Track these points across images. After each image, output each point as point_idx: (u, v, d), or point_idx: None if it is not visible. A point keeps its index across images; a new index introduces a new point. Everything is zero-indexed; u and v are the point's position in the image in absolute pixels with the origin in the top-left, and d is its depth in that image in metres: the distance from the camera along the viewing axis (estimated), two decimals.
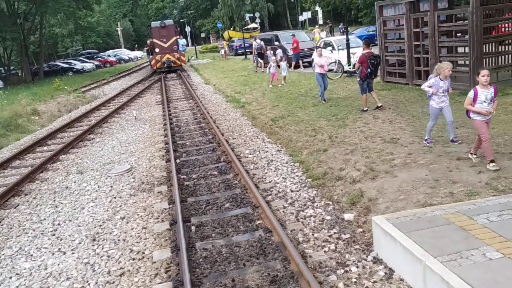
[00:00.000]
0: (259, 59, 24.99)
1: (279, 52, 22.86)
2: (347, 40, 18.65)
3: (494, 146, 7.16)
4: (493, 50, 12.32)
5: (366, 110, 11.14)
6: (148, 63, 36.48)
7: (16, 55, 42.84)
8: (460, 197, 5.55)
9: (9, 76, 39.39)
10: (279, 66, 18.92)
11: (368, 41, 11.90)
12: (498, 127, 8.22)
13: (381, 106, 11.14)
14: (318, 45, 21.44)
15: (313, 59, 21.67)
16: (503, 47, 12.69)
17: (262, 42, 25.84)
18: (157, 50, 31.24)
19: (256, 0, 70.21)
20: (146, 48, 38.86)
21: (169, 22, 33.23)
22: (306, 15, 48.70)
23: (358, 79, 11.26)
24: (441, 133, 8.25)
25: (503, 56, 12.41)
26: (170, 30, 31.53)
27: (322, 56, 13.58)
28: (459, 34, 12.86)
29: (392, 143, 8.19)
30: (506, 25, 12.73)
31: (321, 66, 13.19)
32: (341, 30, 37.01)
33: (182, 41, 36.83)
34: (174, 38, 31.69)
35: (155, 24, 32.72)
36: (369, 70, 10.93)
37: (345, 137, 9.09)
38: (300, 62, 23.18)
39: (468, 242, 4.20)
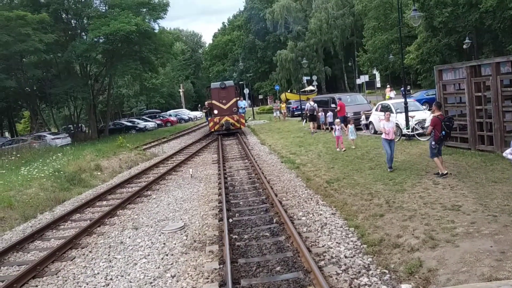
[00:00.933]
0: (312, 121, 25.35)
1: (330, 114, 23.41)
2: (406, 103, 18.44)
3: None
4: None
5: (446, 174, 10.49)
6: (207, 123, 35.27)
7: (85, 113, 45.63)
8: None
9: (77, 133, 41.77)
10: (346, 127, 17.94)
11: (439, 103, 11.52)
12: None
13: (446, 173, 10.57)
14: (378, 108, 21.35)
15: (370, 121, 21.62)
16: None
17: (315, 104, 26.05)
18: (215, 111, 29.70)
19: (314, 64, 71.86)
20: (205, 111, 37.94)
21: (230, 83, 31.93)
22: (363, 78, 48.94)
23: (433, 142, 10.63)
24: (506, 202, 7.79)
25: None
26: (230, 92, 30.13)
27: (390, 121, 12.51)
28: None
29: (453, 210, 7.80)
30: None
31: (388, 132, 12.16)
32: (403, 93, 37.33)
33: (242, 103, 34.67)
34: (234, 99, 30.15)
35: (214, 85, 31.31)
36: (443, 132, 10.50)
37: (403, 203, 8.77)
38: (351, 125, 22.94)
39: None
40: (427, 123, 11.85)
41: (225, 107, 29.59)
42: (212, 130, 29.80)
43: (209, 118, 31.52)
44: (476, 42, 33.47)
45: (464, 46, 35.24)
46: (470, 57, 34.72)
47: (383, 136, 12.31)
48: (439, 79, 14.60)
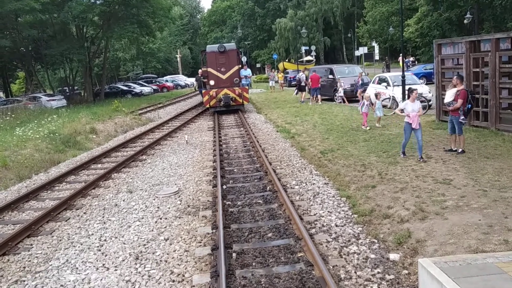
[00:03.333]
0: (300, 91, 26.44)
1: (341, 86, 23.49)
2: (403, 76, 18.41)
3: None
4: None
5: (463, 151, 10.07)
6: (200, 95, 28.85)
7: (80, 76, 45.18)
8: None
9: (72, 95, 41.49)
10: (372, 104, 15.50)
11: (462, 76, 11.02)
12: None
13: (463, 151, 10.13)
14: (375, 81, 21.30)
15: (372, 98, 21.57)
16: None
17: (303, 75, 27.69)
18: (212, 82, 23.22)
19: (313, 34, 71.08)
20: (196, 81, 30.03)
21: (231, 46, 24.11)
22: (362, 50, 48.53)
23: (462, 117, 10.02)
24: (497, 177, 7.89)
25: None
26: (231, 57, 23.33)
27: (416, 102, 10.11)
28: None
29: (444, 184, 7.91)
30: None
31: (411, 117, 9.98)
32: (408, 64, 37.97)
33: (246, 72, 28.49)
34: (236, 67, 23.46)
35: (211, 48, 24.05)
36: (469, 106, 10.10)
37: (395, 175, 8.87)
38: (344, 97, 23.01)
39: None
40: (449, 98, 10.17)
41: (224, 76, 23.23)
42: (207, 105, 23.56)
43: (203, 91, 24.70)
44: (477, 17, 33.15)
45: (465, 21, 34.93)
46: (471, 32, 34.46)
47: (406, 119, 10.07)
48: (438, 53, 14.53)
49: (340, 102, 23.46)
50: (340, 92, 23.60)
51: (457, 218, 6.26)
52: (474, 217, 6.23)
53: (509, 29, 32.21)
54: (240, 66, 24.94)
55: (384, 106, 17.55)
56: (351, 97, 23.07)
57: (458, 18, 39.49)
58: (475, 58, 12.76)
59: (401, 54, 24.75)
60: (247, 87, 25.08)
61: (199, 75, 27.77)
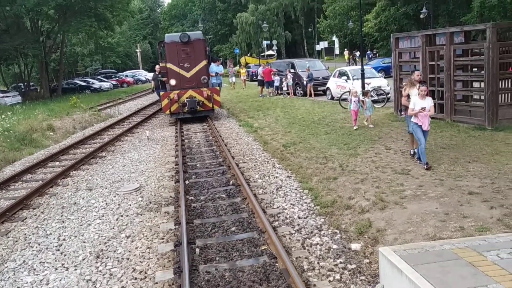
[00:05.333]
0: (260, 86, 26.88)
1: (277, 79, 25.12)
2: (362, 70, 18.73)
3: (507, 182, 7.05)
4: (509, 86, 12.25)
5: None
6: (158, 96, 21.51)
7: (36, 71, 43.76)
8: (471, 232, 5.44)
9: (28, 91, 40.12)
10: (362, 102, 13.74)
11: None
12: None
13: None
14: (335, 74, 21.61)
15: (328, 87, 21.83)
16: None
17: (260, 70, 28.01)
18: (172, 82, 18.17)
19: (274, 28, 71.33)
20: (153, 80, 22.29)
21: (197, 35, 18.95)
22: (322, 45, 49.13)
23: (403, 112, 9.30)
24: (453, 167, 8.15)
25: None
26: (197, 49, 18.17)
27: (427, 99, 8.43)
28: (475, 69, 12.82)
29: (403, 174, 8.10)
30: None
31: (421, 119, 8.42)
32: (369, 56, 40.78)
33: (218, 68, 21.50)
34: (204, 62, 18.41)
35: (171, 37, 18.77)
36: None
37: (356, 166, 9.02)
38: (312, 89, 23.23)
39: (477, 278, 4.08)
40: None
41: (188, 74, 18.18)
42: (167, 111, 18.16)
43: (161, 93, 18.77)
44: (432, 12, 34.09)
45: (421, 16, 35.83)
46: (427, 26, 35.34)
47: (413, 119, 8.58)
48: (395, 47, 14.84)
49: (286, 95, 24.45)
50: (284, 86, 24.54)
51: (416, 207, 6.43)
52: (432, 205, 6.40)
53: (463, 23, 33.32)
54: (208, 60, 19.39)
55: (343, 100, 17.83)
56: (314, 90, 23.36)
57: (414, 12, 40.44)
58: (430, 51, 13.10)
59: (356, 49, 25.40)
60: (217, 88, 19.32)
61: (156, 73, 20.82)
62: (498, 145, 9.57)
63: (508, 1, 30.03)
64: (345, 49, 53.88)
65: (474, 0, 32.34)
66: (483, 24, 12.67)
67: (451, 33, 12.42)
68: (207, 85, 18.39)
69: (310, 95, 22.94)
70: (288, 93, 24.32)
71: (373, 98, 14.84)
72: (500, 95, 11.70)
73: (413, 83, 9.11)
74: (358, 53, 40.26)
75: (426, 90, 8.41)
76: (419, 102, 8.34)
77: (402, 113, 9.47)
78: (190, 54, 18.03)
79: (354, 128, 13.05)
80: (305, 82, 23.53)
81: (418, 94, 8.47)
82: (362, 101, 13.63)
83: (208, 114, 18.75)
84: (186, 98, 17.75)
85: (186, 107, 17.77)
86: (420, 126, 8.39)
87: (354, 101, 13.29)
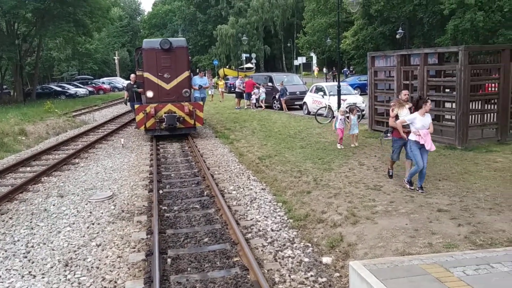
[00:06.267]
0: (238, 98, 27.03)
1: (256, 91, 25.09)
2: (339, 86, 19.02)
3: (475, 200, 7.24)
4: (479, 107, 12.63)
5: None
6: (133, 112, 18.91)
7: (10, 74, 42.93)
8: (438, 249, 5.56)
9: (1, 95, 39.29)
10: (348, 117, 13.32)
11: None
12: (480, 182, 8.33)
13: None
14: (312, 89, 21.88)
15: (305, 102, 22.05)
16: (488, 105, 13.01)
17: (237, 83, 28.19)
18: (150, 94, 15.95)
19: (254, 42, 71.89)
20: (127, 91, 18.78)
21: (179, 42, 16.80)
22: (301, 60, 49.85)
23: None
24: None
25: (488, 114, 12.70)
26: (179, 58, 16.07)
27: (426, 115, 7.81)
28: (447, 90, 13.19)
29: (375, 190, 8.24)
30: (493, 84, 13.08)
31: (423, 136, 7.71)
32: (346, 73, 42.29)
33: (201, 81, 19.07)
34: (187, 73, 16.31)
35: (150, 43, 16.47)
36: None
37: (329, 181, 9.13)
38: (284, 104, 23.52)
39: None
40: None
41: (168, 86, 16.04)
42: (141, 127, 15.82)
43: (136, 105, 16.38)
44: (408, 33, 35.04)
45: (397, 36, 36.67)
46: (402, 46, 36.25)
47: (412, 137, 7.89)
48: (371, 65, 15.15)
49: (253, 108, 25.02)
50: (253, 100, 25.19)
51: (386, 223, 6.54)
52: (402, 221, 6.53)
53: (437, 45, 34.27)
54: (190, 71, 17.25)
55: (319, 115, 18.04)
56: (290, 105, 23.65)
57: (391, 33, 41.45)
58: (405, 71, 13.43)
59: (333, 66, 26.03)
60: (201, 103, 17.16)
61: (131, 83, 18.24)
62: (467, 164, 9.84)
63: (480, 25, 31.12)
64: (315, 66, 55.43)
65: (448, 23, 33.42)
66: (456, 47, 13.08)
67: (425, 54, 12.77)
68: (189, 99, 16.39)
69: (284, 109, 23.22)
70: (261, 106, 24.81)
71: (347, 115, 14.07)
72: (470, 116, 12.05)
73: (402, 104, 8.57)
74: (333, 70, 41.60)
75: (430, 104, 7.96)
76: (420, 119, 7.70)
77: (388, 134, 9.05)
78: (171, 63, 15.89)
79: (339, 147, 12.46)
80: (277, 96, 24.00)
81: (410, 110, 8.19)
82: (347, 116, 13.25)
83: (188, 132, 16.47)
84: (165, 113, 15.54)
85: (164, 123, 15.46)
86: (421, 146, 7.73)
87: (341, 119, 12.82)
